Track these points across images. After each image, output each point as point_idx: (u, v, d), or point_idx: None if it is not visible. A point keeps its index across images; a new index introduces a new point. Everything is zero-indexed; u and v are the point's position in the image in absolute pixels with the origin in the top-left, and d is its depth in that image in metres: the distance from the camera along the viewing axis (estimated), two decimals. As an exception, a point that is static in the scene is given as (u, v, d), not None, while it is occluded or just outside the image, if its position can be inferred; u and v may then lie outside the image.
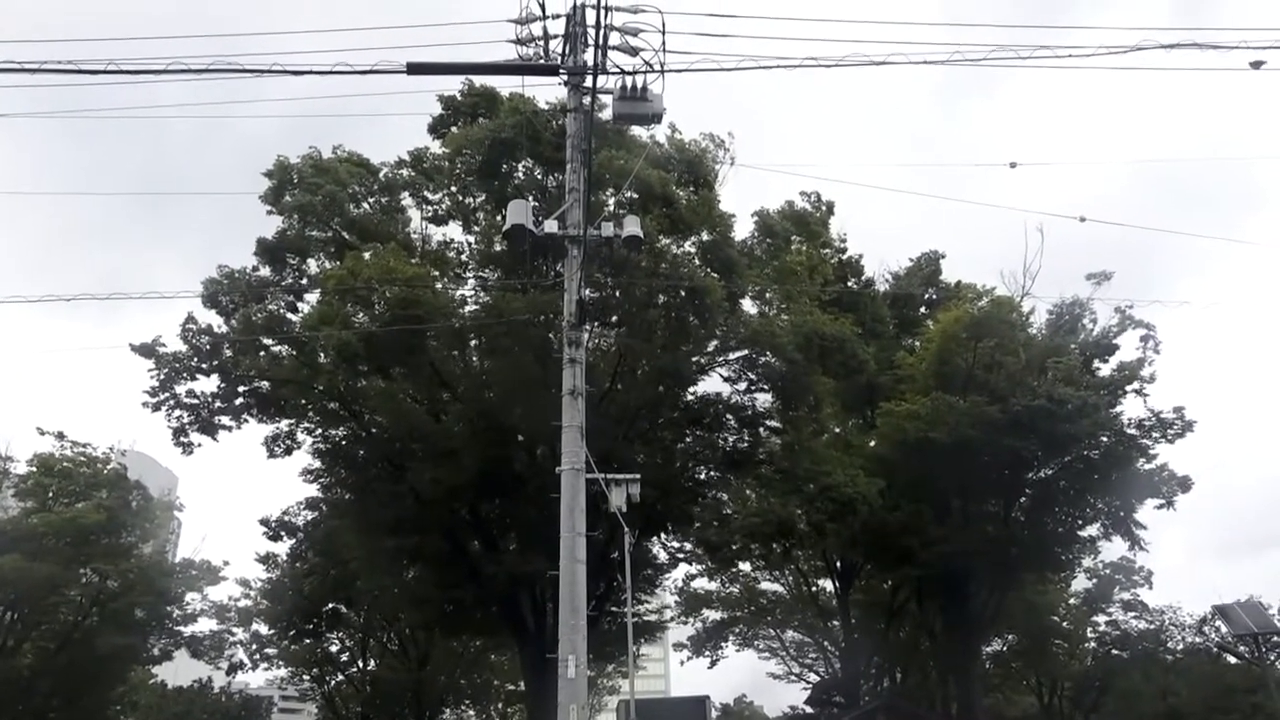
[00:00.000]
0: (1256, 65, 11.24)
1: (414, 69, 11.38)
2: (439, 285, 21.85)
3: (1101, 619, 38.98)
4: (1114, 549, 32.73)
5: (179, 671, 38.84)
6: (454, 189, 23.65)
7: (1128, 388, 27.28)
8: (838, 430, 30.16)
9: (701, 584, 37.45)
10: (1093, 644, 39.98)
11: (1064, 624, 39.59)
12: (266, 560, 37.18)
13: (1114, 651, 38.71)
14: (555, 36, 12.42)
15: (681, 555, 31.88)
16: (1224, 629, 34.51)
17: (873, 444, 28.85)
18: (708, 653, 38.24)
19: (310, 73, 11.06)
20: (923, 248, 36.05)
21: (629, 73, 11.45)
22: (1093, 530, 30.59)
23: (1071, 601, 39.62)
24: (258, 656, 38.31)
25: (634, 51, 11.36)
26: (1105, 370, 28.00)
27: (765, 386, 24.16)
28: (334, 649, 39.92)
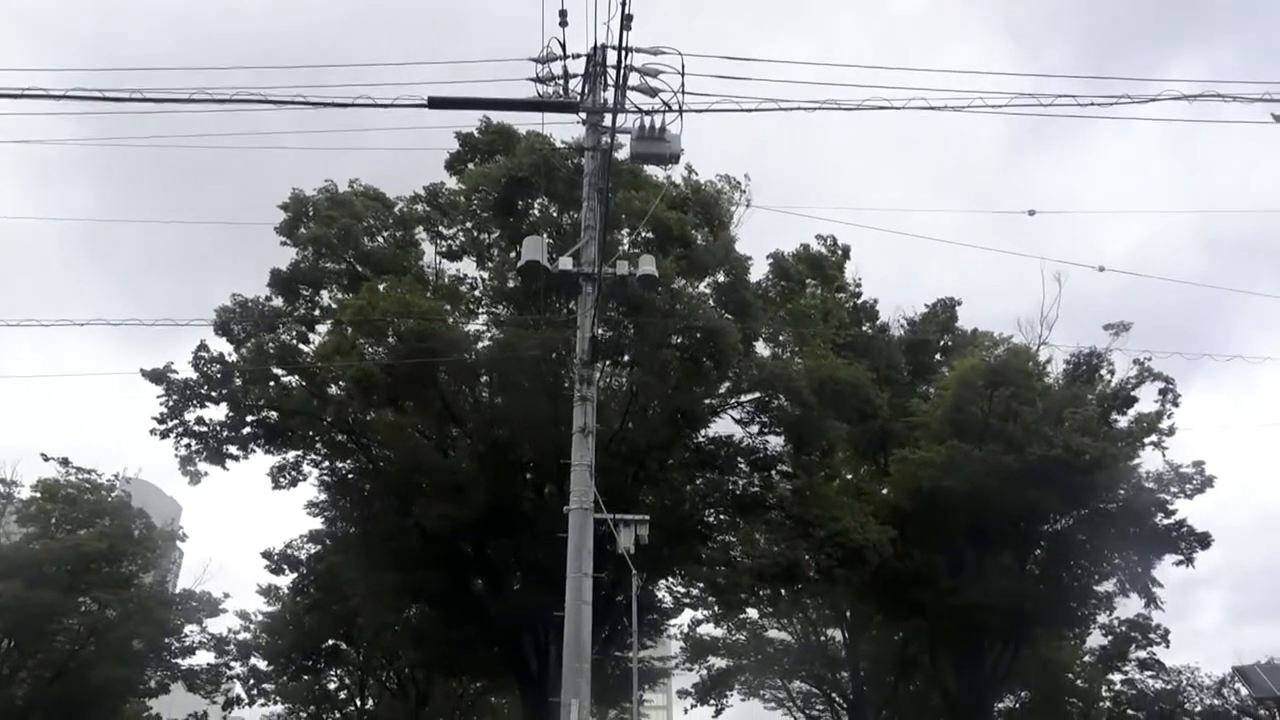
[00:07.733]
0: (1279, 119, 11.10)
1: (435, 103, 11.38)
2: (451, 320, 21.79)
3: (1117, 677, 38.02)
4: (1130, 606, 32.06)
5: (174, 705, 38.19)
6: (469, 225, 23.69)
7: (1146, 440, 26.89)
8: (850, 476, 29.73)
9: (707, 630, 36.81)
10: (1108, 703, 38.92)
11: (1079, 682, 38.59)
12: (268, 593, 36.86)
13: (1130, 711, 37.64)
14: (575, 76, 12.47)
15: (688, 600, 31.34)
16: (1244, 691, 33.63)
17: (885, 491, 28.39)
18: (712, 701, 37.36)
19: (333, 104, 11.06)
20: (940, 293, 35.80)
21: (648, 112, 11.42)
22: (1109, 586, 29.99)
23: (1086, 659, 38.67)
24: (255, 692, 37.71)
25: (653, 92, 11.33)
26: (1123, 422, 27.63)
27: (778, 430, 23.88)
28: (332, 686, 39.30)
